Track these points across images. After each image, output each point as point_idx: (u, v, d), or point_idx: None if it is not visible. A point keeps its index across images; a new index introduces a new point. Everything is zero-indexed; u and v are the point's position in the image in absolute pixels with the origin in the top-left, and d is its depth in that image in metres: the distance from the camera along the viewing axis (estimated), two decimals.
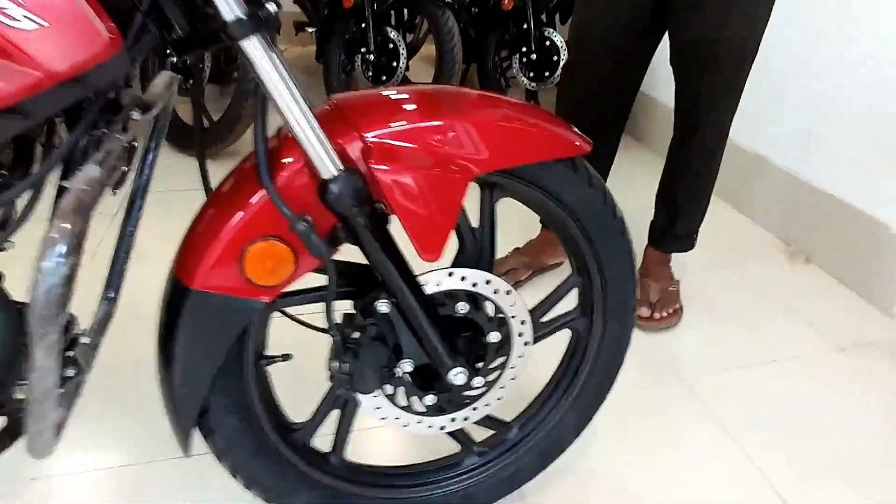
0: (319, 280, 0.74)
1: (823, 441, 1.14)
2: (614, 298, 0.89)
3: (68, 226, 0.56)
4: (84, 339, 0.79)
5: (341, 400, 0.84)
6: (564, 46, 2.20)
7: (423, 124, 0.71)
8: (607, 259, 0.87)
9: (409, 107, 0.73)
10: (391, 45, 2.20)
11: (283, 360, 0.82)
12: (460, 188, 0.73)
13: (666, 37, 1.29)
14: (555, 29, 2.26)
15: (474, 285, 0.78)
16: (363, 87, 2.29)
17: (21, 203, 0.68)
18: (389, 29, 2.21)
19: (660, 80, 1.95)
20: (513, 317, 0.82)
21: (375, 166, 0.69)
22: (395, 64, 2.20)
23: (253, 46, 0.61)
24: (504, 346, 0.82)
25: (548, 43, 2.23)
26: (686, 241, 1.44)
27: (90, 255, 0.78)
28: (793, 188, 1.77)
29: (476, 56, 2.44)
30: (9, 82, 0.55)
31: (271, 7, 0.62)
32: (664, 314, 1.38)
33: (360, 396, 0.78)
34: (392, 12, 2.29)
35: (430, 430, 0.83)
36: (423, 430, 0.83)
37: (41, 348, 0.59)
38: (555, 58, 2.22)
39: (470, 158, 0.72)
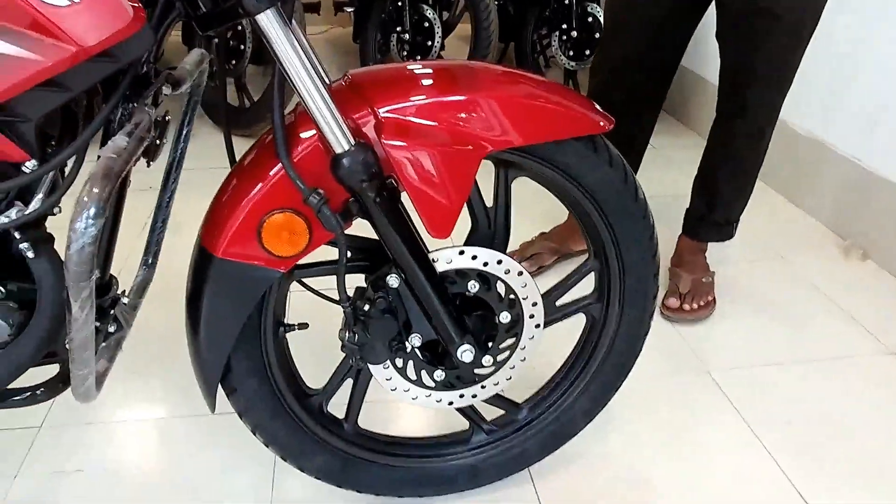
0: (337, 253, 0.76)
1: (854, 445, 1.08)
2: (633, 285, 0.87)
3: (97, 190, 0.60)
4: (124, 300, 0.85)
5: (354, 370, 0.87)
6: None
7: (436, 99, 0.71)
8: (627, 243, 0.85)
9: (424, 82, 0.73)
10: (427, 24, 2.19)
11: (300, 329, 0.85)
12: (473, 165, 0.72)
13: (712, 7, 1.20)
14: (598, 4, 2.16)
15: (485, 265, 0.79)
16: None
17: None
18: (426, 7, 2.19)
19: (707, 55, 1.84)
20: (524, 298, 0.81)
21: (387, 141, 0.70)
22: (430, 43, 2.19)
23: (268, 20, 0.62)
24: (515, 327, 0.83)
25: (590, 19, 2.14)
26: (724, 230, 1.37)
27: (141, 227, 0.85)
28: (854, 177, 1.64)
29: (514, 34, 2.37)
30: (48, 57, 0.59)
31: None
32: (694, 306, 1.33)
33: (370, 367, 0.81)
34: None
35: (438, 405, 0.85)
36: (431, 404, 0.85)
37: (77, 302, 0.65)
38: (597, 35, 2.13)
39: (484, 135, 0.72)
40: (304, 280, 0.83)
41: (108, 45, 0.60)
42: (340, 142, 0.67)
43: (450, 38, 2.38)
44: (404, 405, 1.12)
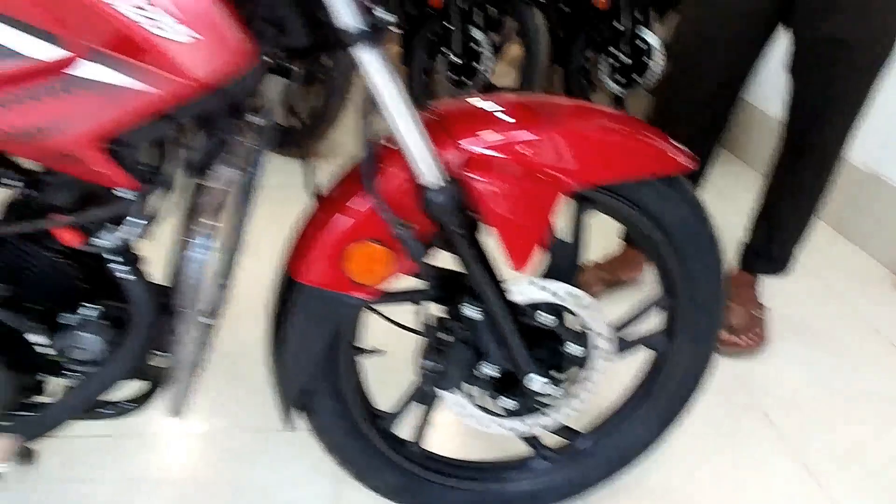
0: (406, 282, 0.78)
1: None
2: (702, 321, 0.88)
3: (210, 221, 0.63)
4: (203, 320, 0.89)
5: (424, 394, 0.88)
6: (660, 47, 2.05)
7: (519, 135, 0.73)
8: (699, 281, 0.85)
9: (507, 118, 0.75)
10: (476, 47, 2.14)
11: (375, 354, 0.87)
12: (553, 201, 0.74)
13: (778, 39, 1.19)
14: (648, 28, 2.09)
15: (558, 296, 0.80)
16: (444, 89, 2.26)
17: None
18: (475, 29, 2.14)
19: (765, 86, 1.83)
20: (593, 331, 0.83)
21: (471, 176, 0.72)
22: (477, 66, 2.13)
23: (369, 55, 0.64)
24: (584, 359, 0.84)
25: (644, 45, 2.08)
26: (781, 265, 1.35)
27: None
28: None
29: (562, 58, 2.31)
30: (166, 91, 0.61)
31: (387, 17, 0.64)
32: (747, 340, 1.31)
33: (443, 393, 0.83)
34: (479, 12, 2.19)
35: (503, 431, 0.86)
36: (497, 431, 0.86)
37: (186, 325, 0.68)
38: (645, 59, 2.07)
39: (565, 172, 0.74)
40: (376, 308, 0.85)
41: (223, 81, 0.62)
42: (434, 177, 0.70)
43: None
44: (465, 429, 1.13)
